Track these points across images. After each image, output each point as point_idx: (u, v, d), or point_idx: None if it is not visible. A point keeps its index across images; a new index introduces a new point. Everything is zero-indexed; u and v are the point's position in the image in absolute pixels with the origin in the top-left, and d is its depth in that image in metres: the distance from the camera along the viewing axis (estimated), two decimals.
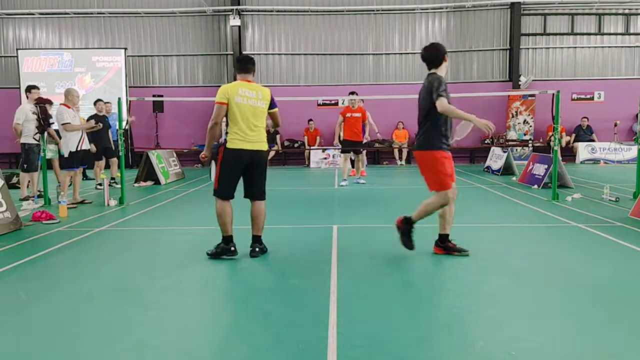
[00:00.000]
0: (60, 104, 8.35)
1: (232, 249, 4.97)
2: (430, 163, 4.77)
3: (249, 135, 4.94)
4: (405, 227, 4.90)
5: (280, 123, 5.45)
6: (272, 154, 17.35)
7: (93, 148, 10.72)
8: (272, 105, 5.12)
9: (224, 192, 5.00)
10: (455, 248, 4.94)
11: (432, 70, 4.86)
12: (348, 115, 11.07)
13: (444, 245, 4.96)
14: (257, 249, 5.10)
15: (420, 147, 4.84)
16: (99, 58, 17.33)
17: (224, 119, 5.05)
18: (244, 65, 5.07)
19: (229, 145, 4.95)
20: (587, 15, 17.91)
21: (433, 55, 4.87)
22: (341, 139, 11.54)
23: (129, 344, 3.08)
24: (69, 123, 8.19)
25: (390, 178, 12.85)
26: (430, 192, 4.85)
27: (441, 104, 4.57)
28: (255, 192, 5.14)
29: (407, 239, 4.90)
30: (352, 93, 11.30)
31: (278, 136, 17.43)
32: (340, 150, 11.51)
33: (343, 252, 5.17)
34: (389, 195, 9.74)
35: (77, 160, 8.34)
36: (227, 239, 4.99)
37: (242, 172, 5.04)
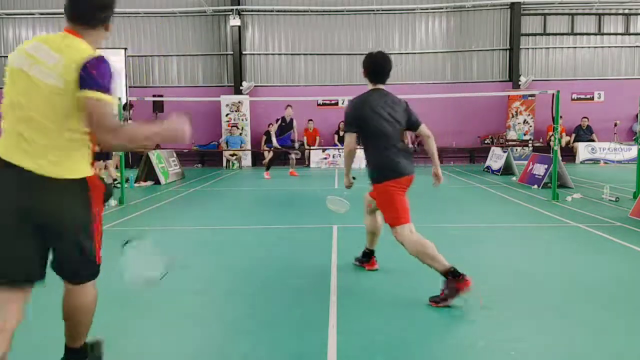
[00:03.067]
0: None
1: None
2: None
3: (17, 138, 2.19)
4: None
5: (104, 125, 2.17)
6: (271, 154, 17.33)
7: (96, 148, 10.71)
8: (83, 82, 2.15)
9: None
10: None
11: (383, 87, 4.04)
12: None
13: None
14: None
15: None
16: None
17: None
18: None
19: None
20: (587, 15, 17.91)
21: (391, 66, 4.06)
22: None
23: (129, 344, 3.08)
24: None
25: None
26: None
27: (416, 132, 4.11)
28: (66, 266, 2.49)
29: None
30: None
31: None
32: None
33: (343, 252, 5.17)
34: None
35: None
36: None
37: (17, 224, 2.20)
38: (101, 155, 10.91)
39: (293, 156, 13.83)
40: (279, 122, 13.25)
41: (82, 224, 2.33)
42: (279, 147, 13.44)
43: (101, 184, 2.42)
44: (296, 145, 13.83)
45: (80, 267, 2.47)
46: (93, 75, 2.16)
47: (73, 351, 2.60)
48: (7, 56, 18.53)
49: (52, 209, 2.23)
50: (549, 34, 18.03)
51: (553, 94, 8.64)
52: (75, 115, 2.20)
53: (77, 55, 2.20)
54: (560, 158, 9.67)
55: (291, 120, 13.14)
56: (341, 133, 17.29)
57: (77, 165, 2.29)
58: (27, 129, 2.18)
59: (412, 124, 4.08)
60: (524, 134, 17.71)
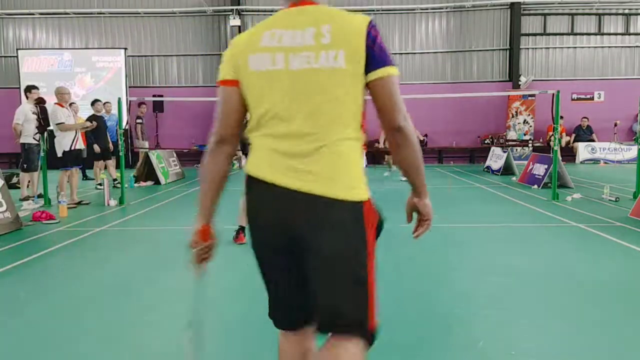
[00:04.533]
0: (54, 104, 8.34)
1: None
2: None
3: (289, 149, 1.67)
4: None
5: (399, 116, 1.72)
6: None
7: (97, 148, 10.74)
8: (378, 60, 1.70)
9: (269, 304, 1.96)
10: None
11: None
12: None
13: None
14: None
15: None
16: (99, 58, 17.32)
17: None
18: None
19: (247, 165, 1.84)
20: (587, 15, 17.91)
21: None
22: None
23: (129, 344, 3.08)
24: (63, 123, 8.18)
25: (390, 178, 12.85)
26: None
27: None
28: (323, 309, 1.67)
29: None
30: None
31: None
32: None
33: None
34: (389, 195, 9.72)
35: (71, 160, 8.33)
36: None
37: (284, 251, 1.75)
38: (100, 156, 10.91)
39: None
40: None
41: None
42: None
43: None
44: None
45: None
46: (382, 51, 1.70)
47: None
48: (7, 56, 18.62)
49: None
50: (549, 34, 18.03)
51: (553, 94, 8.64)
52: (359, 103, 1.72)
53: (353, 23, 1.68)
54: (560, 158, 9.67)
55: None
56: None
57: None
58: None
59: None
60: (524, 134, 17.71)
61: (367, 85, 1.70)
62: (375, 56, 1.67)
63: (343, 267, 1.62)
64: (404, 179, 1.79)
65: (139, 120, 13.82)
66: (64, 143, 8.23)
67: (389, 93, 1.72)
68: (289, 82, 1.65)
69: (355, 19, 1.70)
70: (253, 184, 1.77)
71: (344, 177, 1.65)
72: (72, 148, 8.32)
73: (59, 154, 8.25)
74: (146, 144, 13.85)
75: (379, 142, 17.25)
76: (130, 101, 11.08)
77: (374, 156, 18.08)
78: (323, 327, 1.67)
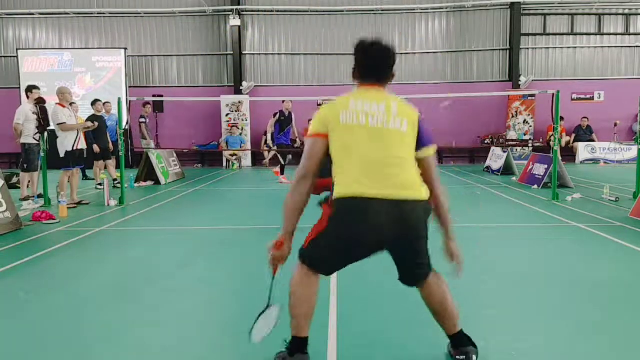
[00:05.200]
0: (56, 104, 8.35)
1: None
2: None
3: (380, 174, 2.47)
4: None
5: (438, 185, 2.68)
6: (272, 154, 17.30)
7: (96, 148, 10.74)
8: (425, 140, 2.60)
9: (315, 259, 2.63)
10: None
11: None
12: None
13: None
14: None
15: None
16: (99, 58, 17.32)
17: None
18: (373, 63, 2.61)
19: (339, 191, 2.55)
20: (587, 15, 17.91)
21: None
22: None
23: (129, 344, 3.08)
24: (65, 123, 8.18)
25: None
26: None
27: None
28: (415, 271, 2.83)
29: None
30: None
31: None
32: None
33: None
34: None
35: (73, 160, 8.33)
36: (301, 343, 2.67)
37: (371, 250, 2.62)
38: (100, 156, 10.91)
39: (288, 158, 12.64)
40: (277, 116, 12.53)
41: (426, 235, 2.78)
42: (274, 148, 12.81)
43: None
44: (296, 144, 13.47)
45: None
46: (428, 132, 2.62)
47: (457, 337, 2.88)
48: (7, 56, 18.58)
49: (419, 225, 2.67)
50: (549, 34, 18.03)
51: (553, 94, 8.64)
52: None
53: (410, 109, 2.61)
54: (560, 158, 9.67)
55: (290, 114, 12.46)
56: None
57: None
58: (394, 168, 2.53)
59: None
60: (524, 134, 17.71)
61: (417, 158, 2.59)
62: (424, 137, 2.60)
63: (424, 245, 2.79)
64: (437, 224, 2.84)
65: (142, 120, 13.81)
66: (66, 143, 8.23)
67: (432, 167, 2.63)
68: (369, 134, 2.48)
69: (410, 107, 2.61)
70: (350, 200, 2.50)
71: (419, 187, 2.53)
72: (75, 148, 8.33)
73: (62, 154, 8.24)
74: (152, 144, 13.88)
75: None
76: (130, 101, 11.05)
77: None
78: (414, 283, 2.86)
